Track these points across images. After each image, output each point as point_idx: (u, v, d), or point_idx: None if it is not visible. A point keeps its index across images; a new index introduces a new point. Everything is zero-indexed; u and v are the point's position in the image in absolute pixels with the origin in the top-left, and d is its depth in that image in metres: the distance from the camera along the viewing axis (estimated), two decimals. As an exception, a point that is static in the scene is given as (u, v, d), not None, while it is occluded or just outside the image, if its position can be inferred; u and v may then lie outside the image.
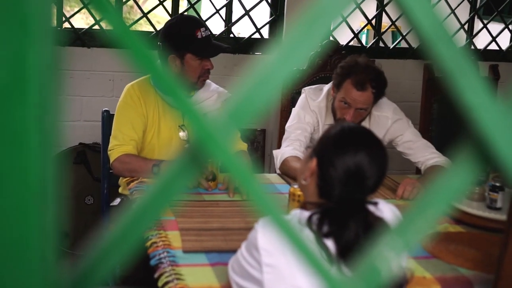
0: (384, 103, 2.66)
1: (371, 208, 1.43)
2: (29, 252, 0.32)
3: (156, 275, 1.66)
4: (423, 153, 2.61)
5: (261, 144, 3.76)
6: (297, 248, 0.37)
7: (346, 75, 2.48)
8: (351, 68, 2.48)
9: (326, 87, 2.71)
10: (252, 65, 0.36)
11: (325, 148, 1.47)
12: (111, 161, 2.46)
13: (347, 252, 1.35)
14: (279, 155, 2.60)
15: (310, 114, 2.65)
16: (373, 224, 1.38)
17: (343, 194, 1.42)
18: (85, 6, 3.39)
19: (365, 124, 2.65)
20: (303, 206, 1.53)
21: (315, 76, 3.09)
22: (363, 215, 1.40)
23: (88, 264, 0.35)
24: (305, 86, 2.93)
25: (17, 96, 0.30)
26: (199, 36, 2.42)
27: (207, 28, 2.47)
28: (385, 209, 1.48)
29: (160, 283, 1.62)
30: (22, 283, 0.33)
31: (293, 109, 2.71)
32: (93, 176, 3.38)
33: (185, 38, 2.42)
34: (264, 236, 1.36)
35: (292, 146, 2.56)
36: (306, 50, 0.35)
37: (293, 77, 0.36)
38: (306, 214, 1.41)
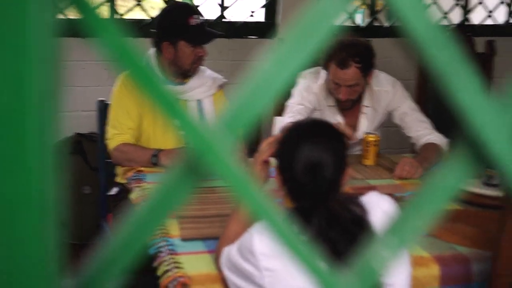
0: (384, 78, 2.70)
1: (339, 201, 1.42)
2: (33, 276, 0.32)
3: (155, 264, 1.67)
4: (416, 127, 2.63)
5: (256, 128, 3.76)
6: (293, 252, 0.37)
7: (329, 58, 2.53)
8: (332, 50, 2.53)
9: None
10: (249, 69, 0.36)
11: (277, 157, 1.49)
12: (109, 150, 2.47)
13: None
14: (278, 122, 2.60)
15: (312, 96, 2.67)
16: (339, 218, 1.37)
17: (306, 195, 1.41)
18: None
19: (367, 100, 2.68)
20: None
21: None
22: (325, 212, 1.38)
23: (87, 278, 0.35)
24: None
25: (16, 121, 0.30)
26: (192, 24, 2.42)
27: (200, 15, 2.47)
28: (377, 201, 1.48)
29: (159, 272, 1.64)
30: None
31: (293, 89, 2.72)
32: (90, 165, 3.38)
33: (178, 26, 2.42)
34: (261, 241, 1.37)
35: (293, 118, 2.56)
36: (304, 57, 0.35)
37: (290, 84, 0.36)
38: None
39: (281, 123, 2.57)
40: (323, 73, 2.70)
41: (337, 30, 0.34)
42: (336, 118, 2.71)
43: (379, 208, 1.44)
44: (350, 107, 2.65)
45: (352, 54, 2.48)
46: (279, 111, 2.82)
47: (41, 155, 0.32)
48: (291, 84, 2.71)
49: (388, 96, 2.69)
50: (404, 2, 0.32)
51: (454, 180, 0.37)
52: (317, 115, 2.71)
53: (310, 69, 2.76)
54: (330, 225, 1.35)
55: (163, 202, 0.36)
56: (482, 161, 0.35)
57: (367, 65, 2.52)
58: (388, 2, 0.32)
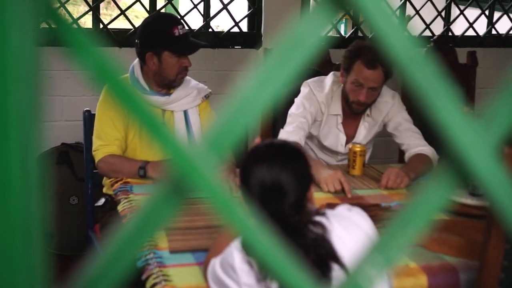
0: (385, 90, 2.72)
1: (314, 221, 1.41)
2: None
3: (143, 277, 1.66)
4: (409, 137, 2.65)
5: (243, 138, 3.76)
6: (276, 268, 0.37)
7: (355, 57, 2.55)
8: (359, 50, 2.56)
9: (328, 78, 2.75)
10: (233, 84, 0.36)
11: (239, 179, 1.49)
12: (96, 162, 2.46)
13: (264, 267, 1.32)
14: (282, 134, 2.58)
15: (314, 106, 2.67)
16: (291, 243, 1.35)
17: (263, 212, 1.40)
18: (62, 5, 3.36)
19: (367, 111, 2.70)
20: None
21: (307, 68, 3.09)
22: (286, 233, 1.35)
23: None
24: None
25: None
26: (177, 34, 2.42)
27: (184, 26, 2.48)
28: (347, 214, 1.48)
29: (148, 285, 1.62)
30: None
31: (296, 98, 2.72)
32: (77, 176, 3.36)
33: (162, 36, 2.42)
34: (241, 257, 1.37)
35: (298, 136, 2.55)
36: (285, 77, 0.35)
37: (273, 103, 0.36)
38: None
39: (285, 135, 2.57)
40: (328, 81, 2.71)
41: (321, 46, 0.34)
42: (338, 127, 2.72)
43: (350, 221, 1.45)
44: (362, 112, 2.66)
45: (379, 57, 2.51)
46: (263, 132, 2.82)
47: (24, 166, 0.32)
48: (293, 93, 2.72)
49: (387, 107, 2.72)
50: (381, 22, 0.32)
51: (437, 197, 0.37)
52: (317, 125, 2.72)
53: (313, 78, 2.77)
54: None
55: (148, 219, 0.36)
56: (465, 178, 0.35)
57: (389, 71, 2.56)
58: (366, 20, 0.32)
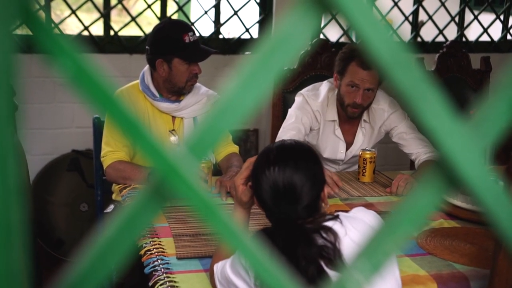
0: (381, 97, 2.69)
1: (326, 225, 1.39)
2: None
3: (150, 283, 1.66)
4: (417, 145, 2.62)
5: (254, 144, 3.76)
6: (261, 272, 0.36)
7: (349, 58, 2.53)
8: (353, 52, 2.53)
9: (323, 84, 2.72)
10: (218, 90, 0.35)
11: (251, 181, 1.48)
12: (104, 168, 2.46)
13: None
14: None
15: (307, 116, 2.65)
16: (296, 249, 1.34)
17: (276, 215, 1.40)
18: (73, 12, 3.39)
19: (364, 117, 2.66)
20: None
21: (306, 75, 3.08)
22: (286, 239, 1.35)
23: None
24: (295, 85, 2.91)
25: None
26: (187, 41, 2.42)
27: (195, 32, 2.47)
28: (363, 216, 1.46)
29: (155, 291, 1.62)
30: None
31: (289, 109, 2.70)
32: (87, 183, 3.37)
33: (173, 43, 2.42)
34: None
35: None
36: (267, 79, 0.34)
37: (256, 106, 0.35)
38: None
39: None
40: (323, 88, 2.69)
41: (301, 53, 0.34)
42: (335, 133, 2.69)
43: (364, 223, 1.42)
44: (357, 116, 2.62)
45: None
46: (273, 133, 2.80)
47: (3, 172, 0.32)
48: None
49: (383, 115, 2.68)
50: (364, 25, 0.31)
51: (426, 203, 0.36)
52: (314, 134, 2.70)
53: (307, 87, 2.75)
54: (288, 254, 1.33)
55: (129, 224, 0.35)
56: (453, 182, 0.34)
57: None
58: (349, 23, 0.32)
